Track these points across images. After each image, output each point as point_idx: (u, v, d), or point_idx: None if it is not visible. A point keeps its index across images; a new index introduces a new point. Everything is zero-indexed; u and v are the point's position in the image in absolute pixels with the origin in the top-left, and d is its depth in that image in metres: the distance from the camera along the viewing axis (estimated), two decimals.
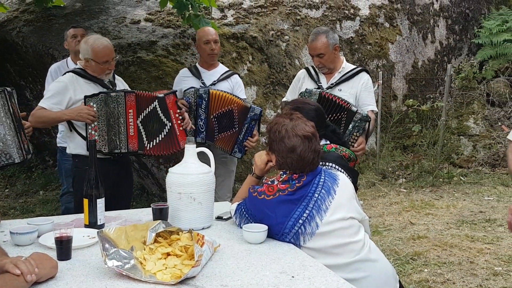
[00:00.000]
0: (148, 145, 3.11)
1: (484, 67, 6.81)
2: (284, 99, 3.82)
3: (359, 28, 6.36)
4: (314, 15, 6.23)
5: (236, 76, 3.80)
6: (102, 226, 2.14)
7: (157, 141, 3.12)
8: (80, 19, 5.13)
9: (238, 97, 3.58)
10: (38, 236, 1.99)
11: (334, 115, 3.23)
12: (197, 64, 3.82)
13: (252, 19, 5.96)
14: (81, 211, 2.22)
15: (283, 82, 5.88)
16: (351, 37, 6.31)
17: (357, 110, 3.26)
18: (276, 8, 6.12)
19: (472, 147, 6.14)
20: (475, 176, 5.73)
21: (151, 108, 3.09)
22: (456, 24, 7.03)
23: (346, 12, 6.32)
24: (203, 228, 2.14)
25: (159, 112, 3.10)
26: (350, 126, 3.23)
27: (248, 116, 3.50)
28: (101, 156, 2.95)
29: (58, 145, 4.02)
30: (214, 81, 3.68)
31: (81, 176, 3.08)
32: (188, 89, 3.58)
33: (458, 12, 7.06)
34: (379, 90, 6.05)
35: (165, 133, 3.12)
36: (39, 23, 5.29)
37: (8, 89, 2.67)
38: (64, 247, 1.81)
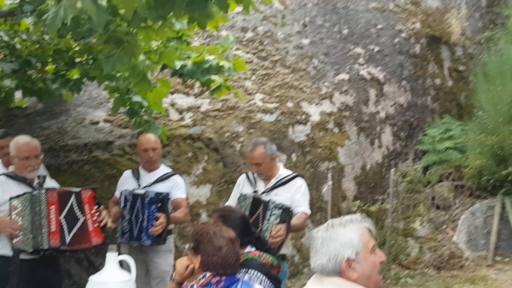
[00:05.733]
0: (68, 240, 3.23)
1: (429, 171, 7.20)
2: (226, 203, 4.04)
3: (310, 132, 6.74)
4: (268, 119, 6.61)
5: (176, 176, 4.03)
6: None
7: (72, 236, 3.24)
8: (40, 119, 5.37)
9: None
10: None
11: (257, 211, 3.47)
12: (140, 167, 4.05)
13: (209, 121, 6.29)
14: None
15: (236, 181, 6.09)
16: (303, 140, 6.67)
17: (269, 199, 3.49)
18: (232, 111, 6.50)
19: (419, 249, 6.34)
20: (421, 278, 5.87)
21: (70, 203, 3.26)
22: (402, 131, 7.51)
23: (298, 117, 6.73)
24: None
25: (75, 206, 3.26)
26: (267, 214, 3.44)
27: (145, 202, 3.67)
28: (27, 257, 3.04)
29: None
30: (150, 183, 3.89)
31: (4, 278, 3.13)
32: (123, 191, 3.80)
33: (403, 120, 7.58)
34: (329, 191, 6.31)
35: (77, 228, 3.25)
36: (0, 123, 5.49)
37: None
38: None
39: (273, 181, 3.76)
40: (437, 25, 8.53)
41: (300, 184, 3.76)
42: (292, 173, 3.87)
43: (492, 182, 6.45)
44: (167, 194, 3.77)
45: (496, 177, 6.36)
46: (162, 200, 3.68)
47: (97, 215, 3.31)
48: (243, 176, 3.96)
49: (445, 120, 7.73)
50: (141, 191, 3.72)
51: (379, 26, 7.97)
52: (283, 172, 3.85)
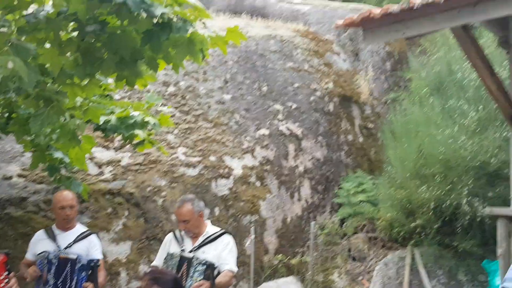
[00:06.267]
0: None
1: (345, 224, 7.51)
2: (152, 264, 3.96)
3: (233, 186, 6.83)
4: (191, 173, 6.62)
5: (92, 236, 3.93)
6: None
7: None
8: None
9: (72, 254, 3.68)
10: None
11: (182, 269, 3.47)
12: (53, 226, 3.89)
13: (130, 175, 6.18)
14: None
15: (158, 237, 5.98)
16: (226, 194, 6.73)
17: (193, 256, 3.52)
18: (154, 165, 6.44)
19: None
20: None
21: None
22: (319, 185, 7.83)
23: (221, 171, 6.81)
24: None
25: None
26: (191, 271, 3.46)
27: (76, 268, 3.57)
28: None
29: None
30: (70, 243, 3.75)
31: None
32: (40, 253, 3.62)
33: (320, 174, 7.92)
34: (251, 245, 6.36)
35: None
36: None
37: None
38: None
39: (200, 239, 3.76)
40: (348, 86, 9.14)
41: (227, 241, 3.79)
42: (220, 230, 3.90)
43: (402, 234, 6.84)
44: (98, 260, 3.66)
45: (406, 229, 6.75)
46: (93, 268, 3.56)
47: (6, 282, 3.14)
48: (170, 234, 3.92)
49: (358, 174, 8.16)
50: (73, 256, 3.57)
51: (296, 85, 8.40)
52: (210, 229, 3.86)
